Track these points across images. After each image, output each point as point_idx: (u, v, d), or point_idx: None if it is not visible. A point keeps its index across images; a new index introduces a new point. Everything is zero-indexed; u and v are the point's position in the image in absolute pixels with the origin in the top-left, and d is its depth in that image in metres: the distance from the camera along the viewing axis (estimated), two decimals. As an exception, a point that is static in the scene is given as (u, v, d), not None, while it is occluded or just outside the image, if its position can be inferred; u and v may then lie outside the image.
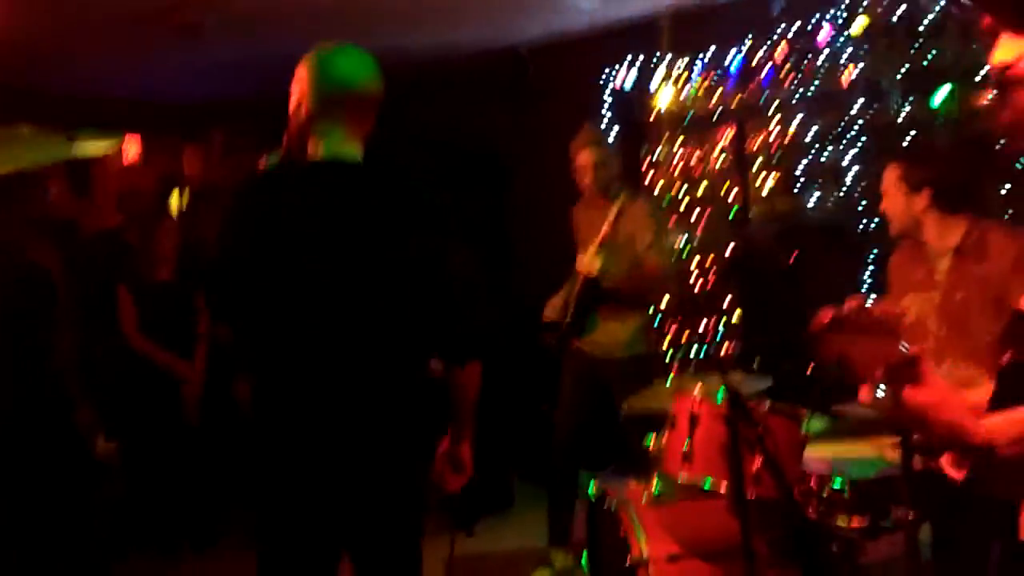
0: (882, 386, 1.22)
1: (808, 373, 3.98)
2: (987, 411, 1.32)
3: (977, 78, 3.91)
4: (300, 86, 1.99)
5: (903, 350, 1.15)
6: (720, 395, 2.40)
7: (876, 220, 4.30)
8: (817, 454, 2.55)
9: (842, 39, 4.28)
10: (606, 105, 4.91)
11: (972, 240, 2.54)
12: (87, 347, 4.06)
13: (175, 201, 5.53)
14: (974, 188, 2.79)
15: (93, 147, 5.41)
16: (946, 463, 1.94)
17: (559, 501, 3.61)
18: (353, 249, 1.88)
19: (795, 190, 4.51)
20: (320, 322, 1.87)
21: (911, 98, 4.18)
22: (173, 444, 4.24)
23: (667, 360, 4.64)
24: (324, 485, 1.88)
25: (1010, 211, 3.75)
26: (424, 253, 1.91)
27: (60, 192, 4.88)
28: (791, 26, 4.39)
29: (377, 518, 1.95)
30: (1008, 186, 3.78)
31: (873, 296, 3.56)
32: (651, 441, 2.65)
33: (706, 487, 2.38)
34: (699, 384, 2.55)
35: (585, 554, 2.82)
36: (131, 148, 5.46)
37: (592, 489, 2.76)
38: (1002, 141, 3.82)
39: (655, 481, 2.64)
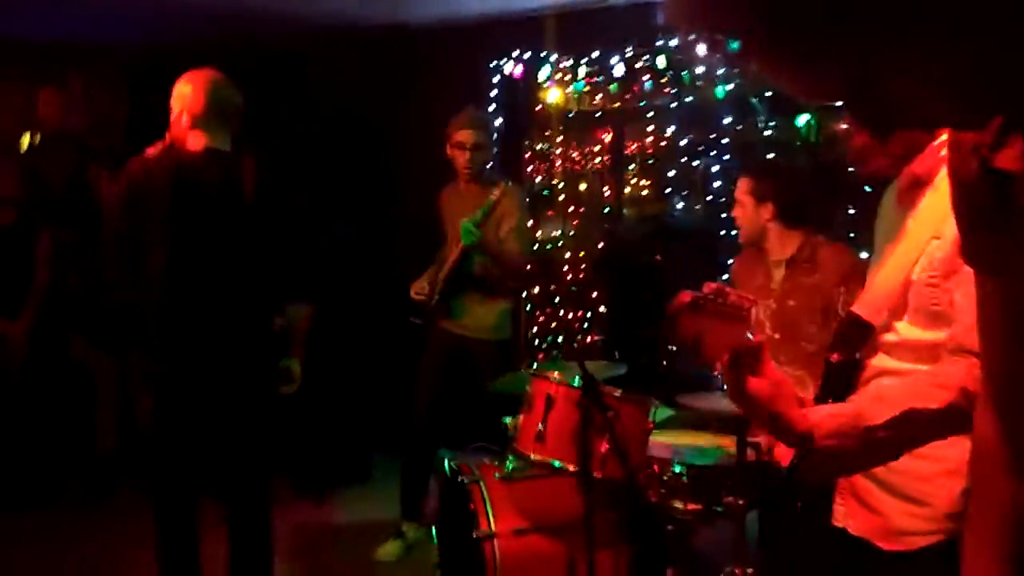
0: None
1: (661, 368, 4.19)
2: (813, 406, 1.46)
3: (836, 105, 4.21)
4: (184, 100, 2.66)
5: (749, 338, 1.24)
6: (576, 380, 2.51)
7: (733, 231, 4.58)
8: (661, 441, 2.70)
9: (717, 56, 4.51)
10: (493, 92, 4.96)
11: (805, 253, 2.79)
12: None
13: (25, 142, 5.18)
14: (815, 207, 3.03)
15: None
16: (779, 453, 2.12)
17: (413, 475, 3.64)
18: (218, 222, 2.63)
19: (665, 194, 4.72)
20: (180, 276, 2.61)
21: (774, 120, 4.46)
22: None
23: (533, 347, 4.75)
24: (199, 393, 2.66)
25: (852, 234, 4.08)
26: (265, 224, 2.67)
27: None
28: (672, 37, 4.58)
29: (239, 417, 2.70)
30: (852, 210, 4.12)
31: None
32: (508, 421, 2.72)
33: (556, 465, 2.48)
34: (558, 369, 2.65)
35: (435, 527, 2.87)
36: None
37: (447, 465, 2.81)
38: (851, 167, 4.15)
39: (508, 459, 2.72)
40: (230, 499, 2.83)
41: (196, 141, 2.64)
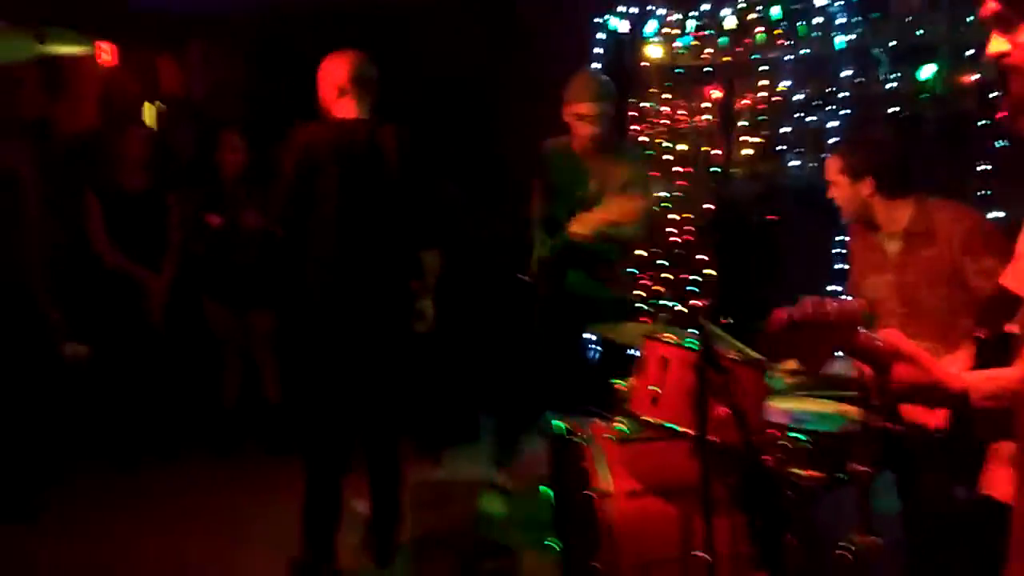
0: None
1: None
2: None
3: (966, 55, 3.95)
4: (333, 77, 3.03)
5: (865, 338, 1.21)
6: (690, 342, 2.46)
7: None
8: (779, 406, 2.63)
9: (836, 5, 4.28)
10: (598, 48, 4.87)
11: (921, 225, 2.62)
12: (55, 250, 4.01)
13: (149, 112, 5.41)
14: (929, 167, 2.86)
15: (64, 49, 5.23)
16: (920, 412, 2.02)
17: (510, 427, 3.67)
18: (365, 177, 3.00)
19: (777, 152, 4.55)
20: (347, 224, 2.97)
21: (897, 72, 4.22)
22: (138, 353, 4.22)
23: (642, 310, 4.70)
24: (350, 325, 2.98)
25: (983, 192, 3.84)
26: (406, 181, 3.03)
27: (32, 91, 4.74)
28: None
29: (385, 348, 3.05)
30: (985, 167, 3.87)
31: (833, 287, 3.64)
32: (620, 383, 2.70)
33: (673, 428, 2.45)
34: (671, 331, 2.61)
35: (548, 487, 2.89)
36: (106, 53, 5.28)
37: (558, 425, 2.82)
38: (985, 121, 3.89)
39: (621, 421, 2.70)
40: (372, 447, 3.13)
41: (347, 110, 3.03)
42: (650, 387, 2.52)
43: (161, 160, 4.40)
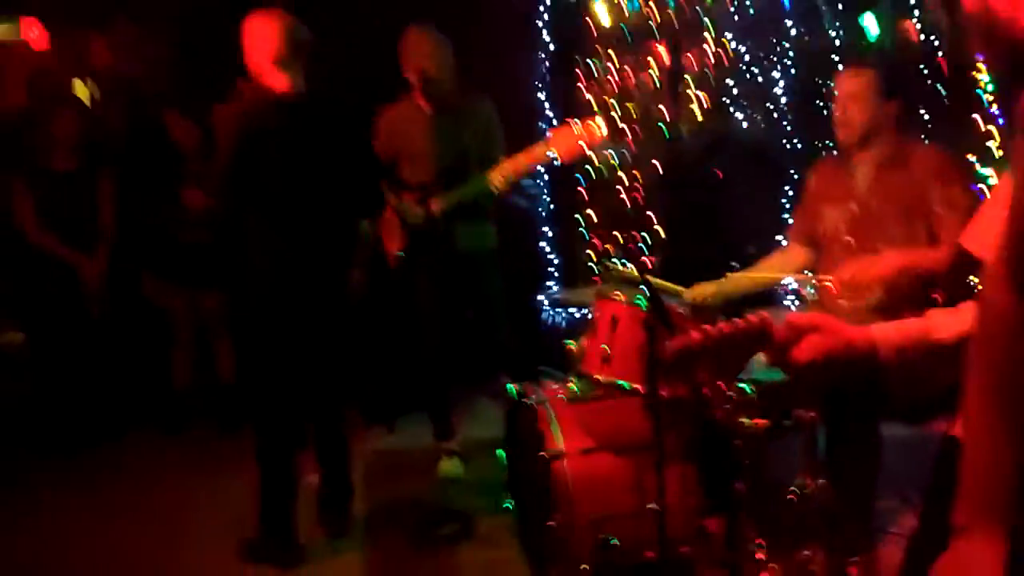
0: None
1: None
2: None
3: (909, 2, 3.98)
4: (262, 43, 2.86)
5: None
6: (640, 300, 2.46)
7: (799, 142, 4.41)
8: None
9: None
10: (545, 11, 4.81)
11: (899, 152, 2.67)
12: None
13: (81, 91, 5.23)
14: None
15: (-9, 29, 5.04)
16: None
17: (438, 399, 3.67)
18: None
19: (724, 108, 4.56)
20: (287, 200, 2.90)
21: (839, 25, 4.23)
22: (76, 338, 4.13)
23: (592, 269, 4.71)
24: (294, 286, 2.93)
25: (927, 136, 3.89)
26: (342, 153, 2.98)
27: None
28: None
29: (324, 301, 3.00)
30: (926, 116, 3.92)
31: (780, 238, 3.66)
32: (571, 343, 2.71)
33: (624, 386, 2.46)
34: (622, 290, 2.61)
35: (502, 450, 2.90)
36: (34, 31, 5.09)
37: (512, 388, 2.82)
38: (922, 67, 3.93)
39: (574, 380, 2.71)
40: (318, 420, 3.11)
41: (279, 82, 2.87)
42: (601, 345, 2.54)
43: (94, 139, 4.27)
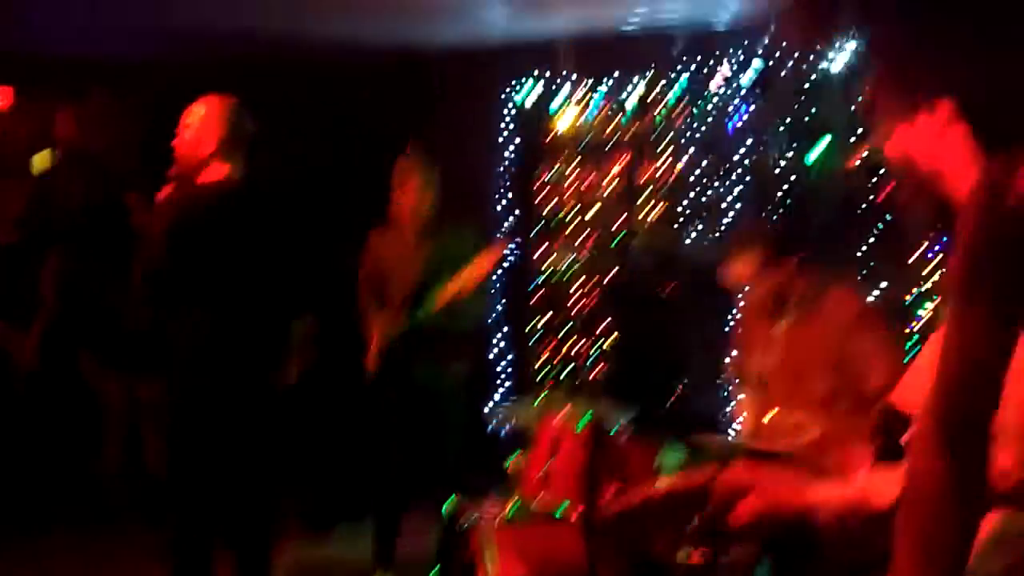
0: None
1: (673, 405, 4.09)
2: None
3: (854, 137, 4.15)
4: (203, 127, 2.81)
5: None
6: (583, 421, 2.43)
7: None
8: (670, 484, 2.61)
9: (733, 86, 4.45)
10: (506, 120, 4.93)
11: (808, 296, 2.63)
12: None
13: (40, 161, 5.15)
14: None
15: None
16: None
17: (387, 521, 3.61)
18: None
19: (678, 223, 4.65)
20: (220, 295, 2.81)
21: (791, 150, 4.39)
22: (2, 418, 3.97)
23: (539, 378, 4.68)
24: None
25: (866, 269, 3.99)
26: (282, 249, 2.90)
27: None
28: (689, 66, 4.54)
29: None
30: (871, 241, 4.03)
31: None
32: (512, 462, 2.65)
33: (557, 514, 2.40)
34: (565, 407, 2.58)
35: (436, 571, 2.79)
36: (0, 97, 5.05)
37: (449, 507, 2.74)
38: (871, 197, 4.07)
39: (511, 502, 2.64)
40: (238, 535, 2.97)
41: (219, 170, 2.80)
42: (541, 466, 2.49)
43: (44, 214, 4.20)
